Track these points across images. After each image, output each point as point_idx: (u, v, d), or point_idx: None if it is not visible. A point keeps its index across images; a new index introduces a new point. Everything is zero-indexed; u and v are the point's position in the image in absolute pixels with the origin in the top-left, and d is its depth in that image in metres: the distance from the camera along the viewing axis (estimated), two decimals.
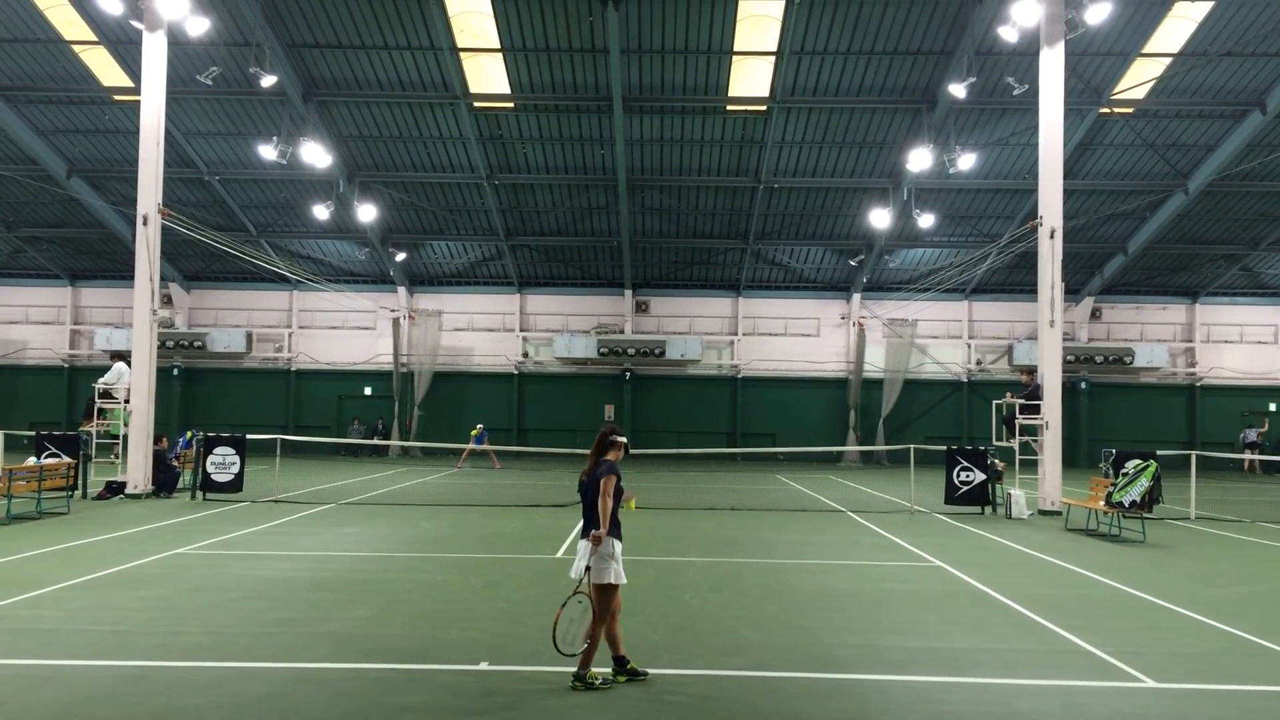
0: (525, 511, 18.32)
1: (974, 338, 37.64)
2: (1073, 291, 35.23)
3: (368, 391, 37.69)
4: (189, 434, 22.37)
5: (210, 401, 37.56)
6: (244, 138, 29.53)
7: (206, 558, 12.34)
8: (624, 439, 7.48)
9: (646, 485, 24.73)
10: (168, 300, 36.52)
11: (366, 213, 31.51)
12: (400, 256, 35.56)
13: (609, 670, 7.19)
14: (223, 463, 19.44)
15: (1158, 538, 15.70)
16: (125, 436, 19.68)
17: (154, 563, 11.80)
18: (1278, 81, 26.23)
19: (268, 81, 24.07)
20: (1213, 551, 14.72)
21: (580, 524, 7.41)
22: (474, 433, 30.86)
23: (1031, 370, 20.46)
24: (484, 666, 7.49)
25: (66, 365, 37.76)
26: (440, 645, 8.12)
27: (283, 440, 21.71)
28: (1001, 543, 15.03)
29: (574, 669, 7.05)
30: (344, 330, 37.86)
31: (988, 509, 19.08)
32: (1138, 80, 26.39)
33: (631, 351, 35.97)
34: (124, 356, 21.00)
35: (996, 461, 19.62)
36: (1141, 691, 7.22)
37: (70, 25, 25.57)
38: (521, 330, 37.77)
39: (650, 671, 7.31)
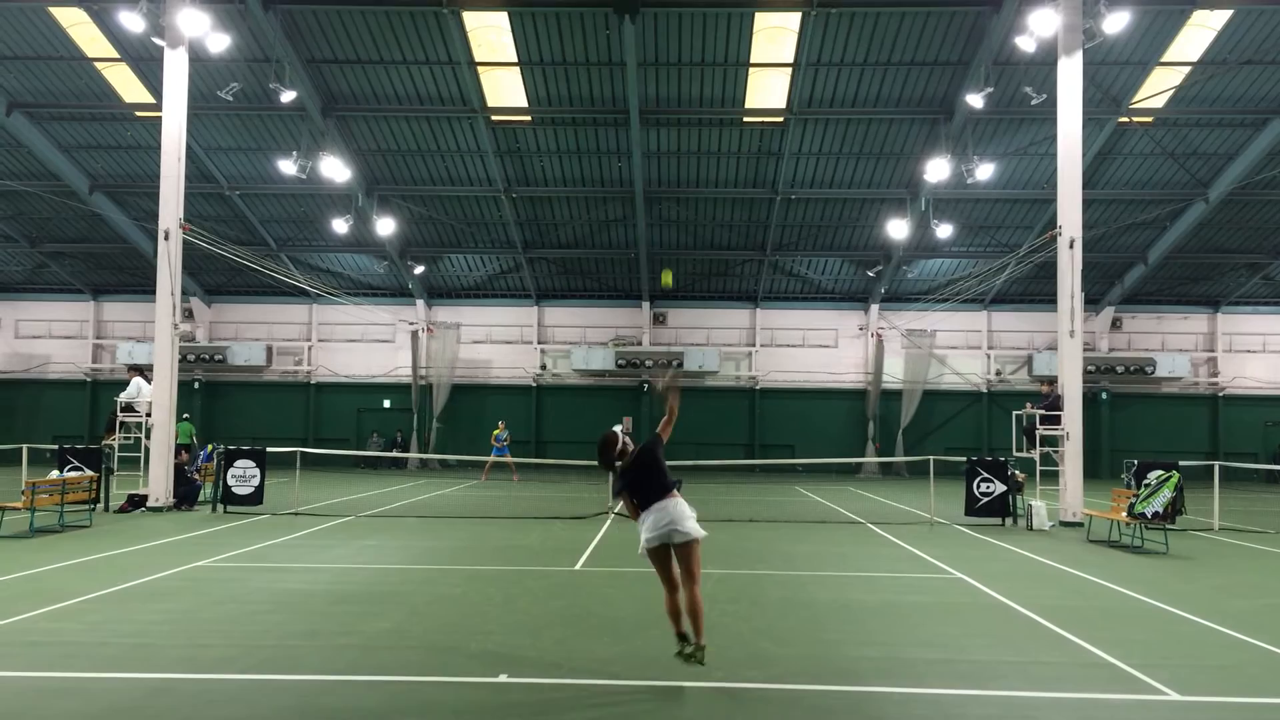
0: (544, 523, 18.34)
1: (993, 348, 37.48)
2: (1093, 301, 35.05)
3: (386, 404, 37.82)
4: (209, 447, 22.49)
5: (231, 415, 37.78)
6: (264, 153, 29.77)
7: (227, 570, 12.40)
8: (616, 445, 7.74)
9: None
10: (189, 314, 36.81)
11: (385, 226, 31.70)
12: (419, 270, 35.73)
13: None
14: (243, 475, 19.55)
15: (1181, 549, 15.55)
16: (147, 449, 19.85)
17: (175, 575, 11.86)
18: None
19: (287, 97, 24.28)
20: (1237, 563, 14.58)
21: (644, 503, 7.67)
22: (496, 431, 30.71)
23: (1052, 381, 20.34)
24: (503, 679, 7.49)
25: (89, 379, 38.06)
26: (460, 658, 8.12)
27: (302, 453, 21.80)
28: (1023, 554, 14.93)
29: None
30: (363, 343, 38.04)
31: (1008, 520, 18.94)
32: (1157, 89, 26.26)
33: (649, 363, 35.99)
34: (141, 371, 21.15)
35: (1017, 473, 19.50)
36: (1165, 704, 7.15)
37: (93, 43, 25.86)
38: (539, 342, 37.85)
39: (667, 684, 7.30)
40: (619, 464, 7.71)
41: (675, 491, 7.60)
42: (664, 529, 7.40)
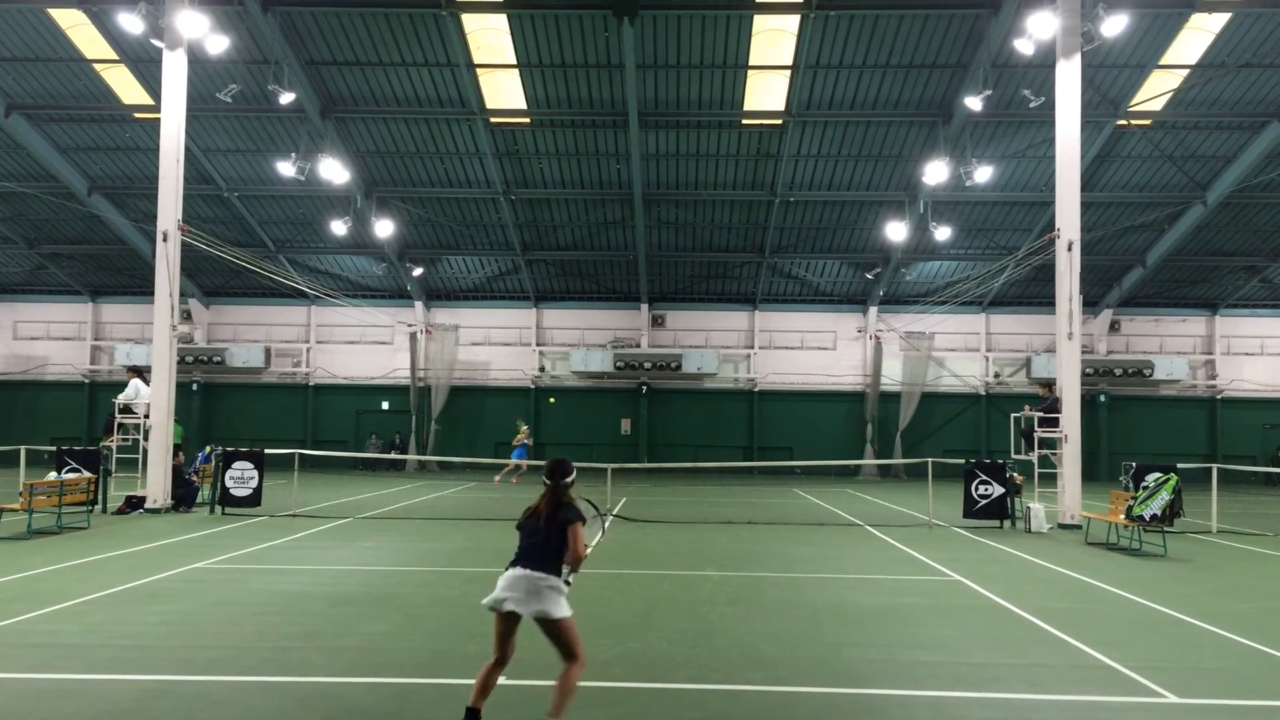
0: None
1: (992, 350, 37.50)
2: (1091, 304, 35.06)
3: (385, 406, 37.81)
4: (208, 449, 22.49)
5: (229, 416, 37.77)
6: (263, 154, 29.78)
7: (225, 572, 12.38)
8: (569, 474, 6.67)
9: (663, 499, 24.72)
10: (187, 316, 36.80)
11: (384, 228, 31.70)
12: (417, 271, 35.73)
13: None
14: (241, 477, 19.53)
15: (1179, 552, 15.56)
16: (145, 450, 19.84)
17: (173, 577, 11.85)
18: None
19: (286, 99, 24.27)
20: (1235, 565, 14.59)
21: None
22: (520, 435, 30.26)
23: (1050, 383, 20.35)
24: (502, 681, 7.46)
25: (87, 381, 38.04)
26: (458, 659, 8.12)
27: (301, 455, 21.78)
28: (1021, 557, 14.93)
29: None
30: (361, 345, 38.03)
31: (1006, 523, 18.95)
32: (1155, 92, 26.30)
33: (648, 365, 35.98)
34: (140, 372, 21.13)
35: (1015, 475, 19.50)
36: (1164, 707, 7.15)
37: (91, 44, 25.87)
38: (538, 344, 37.84)
39: (666, 686, 7.30)
40: (548, 497, 6.52)
41: (557, 578, 6.32)
42: (519, 596, 6.24)
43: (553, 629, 6.23)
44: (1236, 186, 29.13)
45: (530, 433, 30.92)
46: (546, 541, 6.41)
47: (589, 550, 7.04)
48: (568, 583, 6.42)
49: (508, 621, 6.32)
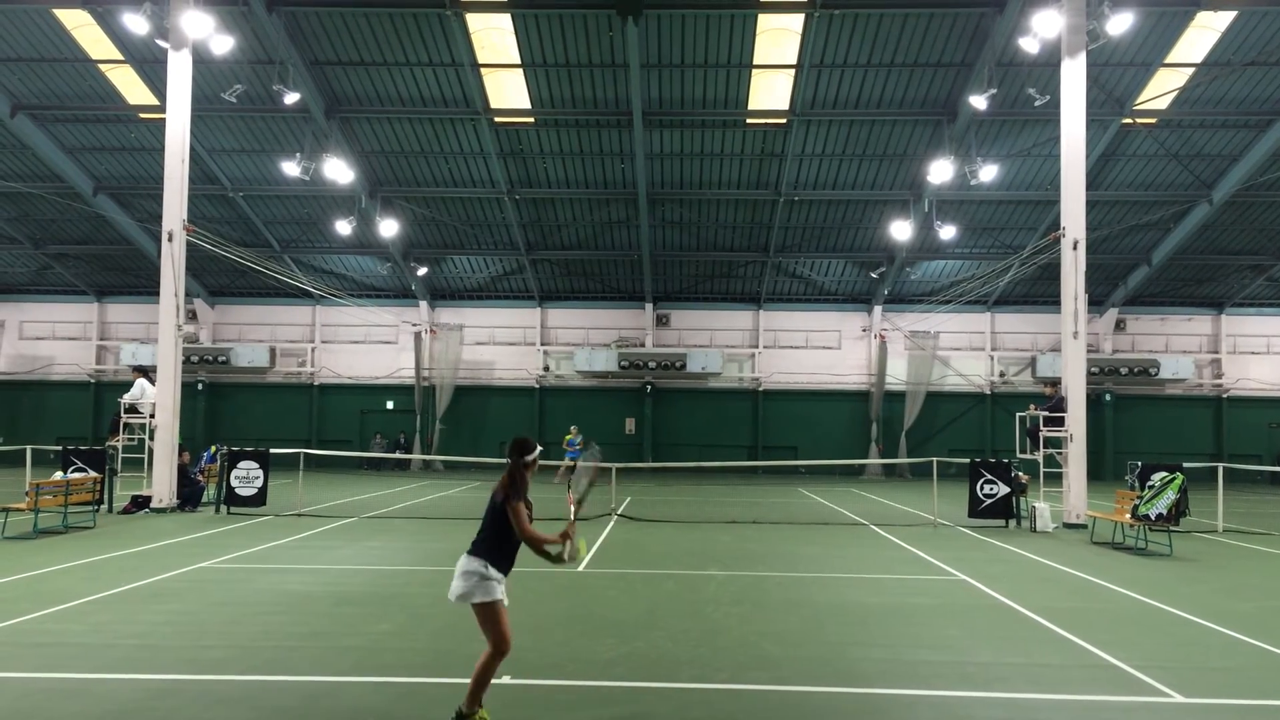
0: (546, 525, 18.28)
1: (997, 350, 37.44)
2: (1096, 303, 35.00)
3: (390, 405, 37.84)
4: (213, 448, 22.52)
5: (234, 416, 37.82)
6: (267, 154, 29.81)
7: (230, 572, 12.40)
8: (531, 451, 6.60)
9: (667, 499, 24.72)
10: (192, 316, 36.88)
11: (388, 228, 31.73)
12: (422, 271, 35.75)
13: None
14: (246, 477, 19.56)
15: (1184, 551, 15.53)
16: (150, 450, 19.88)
17: (179, 577, 11.87)
18: None
19: (291, 99, 24.31)
20: (1241, 565, 14.55)
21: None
22: (569, 436, 30.12)
23: (1055, 382, 20.30)
24: (506, 680, 7.48)
25: (93, 381, 38.12)
26: (462, 659, 8.10)
27: (306, 454, 21.80)
28: (1026, 556, 14.91)
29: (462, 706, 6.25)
30: (366, 345, 38.07)
31: (1012, 522, 18.92)
32: (1160, 90, 26.23)
33: (652, 365, 35.96)
34: (146, 372, 21.16)
35: (1020, 474, 19.47)
36: (1169, 706, 7.14)
37: (97, 44, 25.91)
38: (542, 344, 37.85)
39: (670, 686, 7.29)
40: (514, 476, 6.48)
41: (487, 565, 6.23)
42: (454, 584, 6.26)
43: (477, 614, 6.18)
44: (1242, 185, 29.06)
45: (579, 432, 30.70)
46: (488, 525, 6.41)
47: (582, 498, 7.31)
48: (578, 511, 6.65)
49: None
